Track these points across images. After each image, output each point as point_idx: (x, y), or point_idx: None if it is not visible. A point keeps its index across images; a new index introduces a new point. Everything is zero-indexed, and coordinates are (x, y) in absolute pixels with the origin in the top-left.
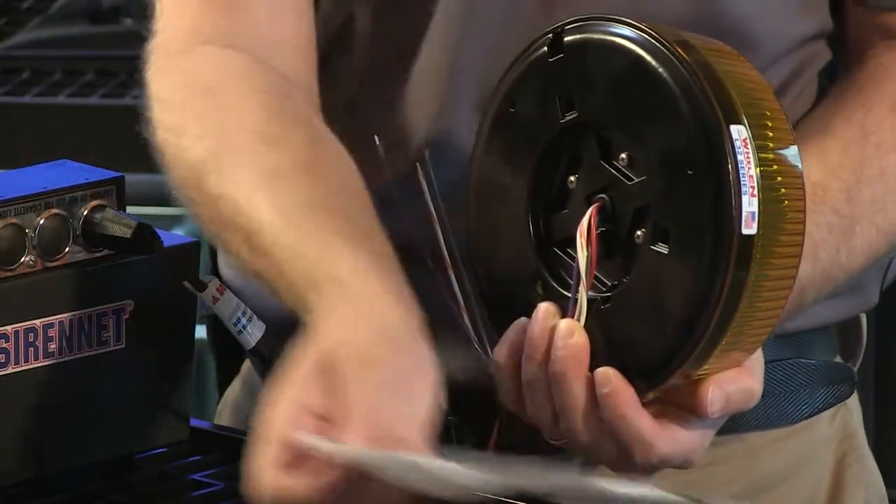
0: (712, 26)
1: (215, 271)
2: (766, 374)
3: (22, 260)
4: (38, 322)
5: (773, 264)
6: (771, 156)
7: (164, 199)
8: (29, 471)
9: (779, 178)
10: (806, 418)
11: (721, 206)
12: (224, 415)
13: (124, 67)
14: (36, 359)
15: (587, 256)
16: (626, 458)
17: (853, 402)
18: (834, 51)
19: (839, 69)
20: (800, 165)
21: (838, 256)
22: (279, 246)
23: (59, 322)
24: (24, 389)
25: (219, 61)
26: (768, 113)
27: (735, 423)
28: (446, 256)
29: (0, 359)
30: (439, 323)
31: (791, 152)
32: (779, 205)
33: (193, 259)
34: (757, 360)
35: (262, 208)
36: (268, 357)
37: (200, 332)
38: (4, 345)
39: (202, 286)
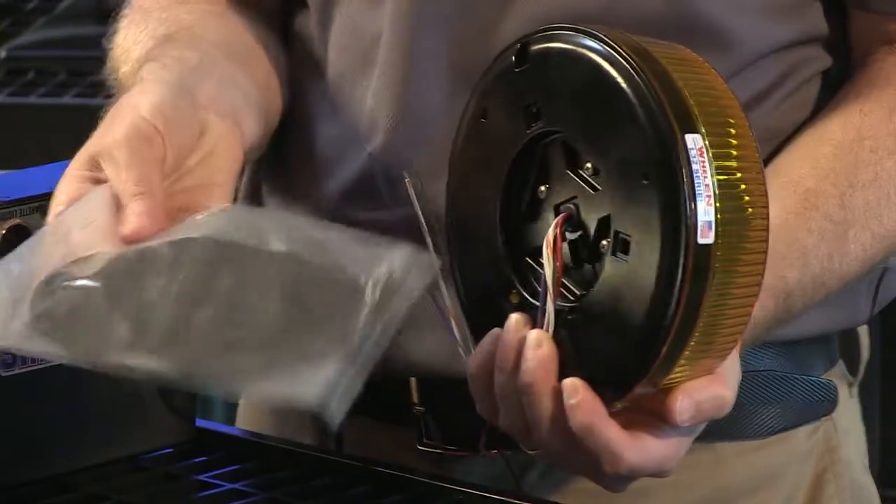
0: (685, 26)
1: None
2: (740, 385)
3: None
4: None
5: (738, 272)
6: (734, 164)
7: None
8: (36, 471)
9: (742, 186)
10: (778, 432)
11: (675, 215)
12: (242, 413)
13: None
14: (42, 360)
15: (553, 267)
16: (597, 468)
17: (842, 416)
18: (835, 56)
19: (845, 74)
20: (763, 173)
21: (831, 262)
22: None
23: None
24: (31, 390)
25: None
26: (732, 121)
27: (704, 432)
28: (435, 261)
29: (7, 359)
30: (411, 315)
31: (756, 160)
32: (742, 213)
33: None
34: (730, 368)
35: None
36: None
37: None
38: None
39: None
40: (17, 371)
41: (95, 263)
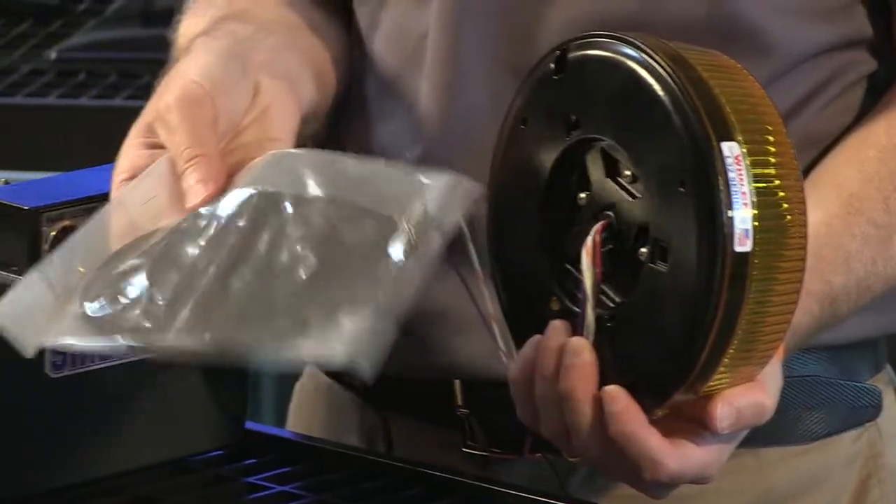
0: (725, 29)
1: None
2: (784, 390)
3: None
4: None
5: (777, 279)
6: (773, 171)
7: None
8: (85, 473)
9: (780, 194)
10: (822, 438)
11: (712, 223)
12: (293, 411)
13: None
14: (92, 361)
15: (593, 275)
16: (637, 475)
17: (887, 422)
18: (880, 60)
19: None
20: (802, 180)
21: (875, 266)
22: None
23: None
24: (81, 392)
25: None
26: (770, 128)
27: (748, 437)
28: (477, 268)
29: (57, 361)
30: (453, 319)
31: (794, 167)
32: (780, 220)
33: None
34: (771, 374)
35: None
36: None
37: None
38: None
39: None
40: (66, 373)
41: (152, 240)
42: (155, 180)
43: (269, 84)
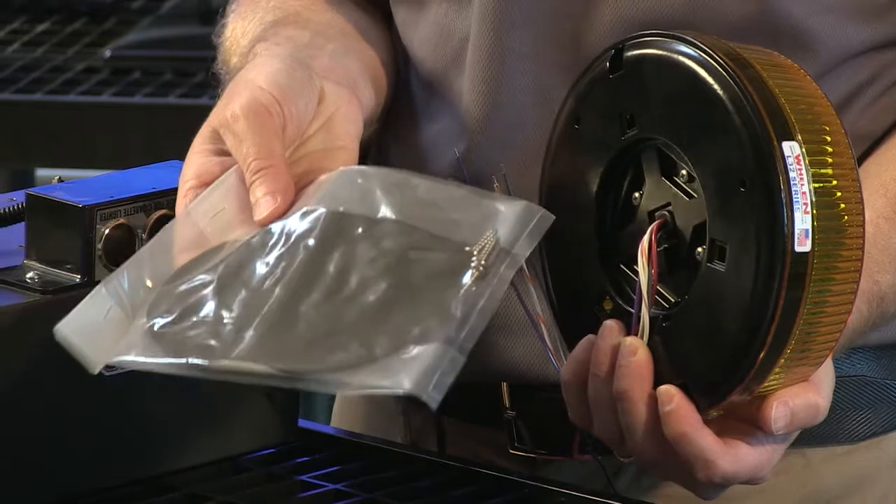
0: (770, 27)
1: None
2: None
3: None
4: None
5: (834, 279)
6: (830, 171)
7: None
8: (138, 471)
9: (838, 194)
10: (869, 437)
11: (773, 223)
12: (338, 412)
13: None
14: None
15: (648, 274)
16: (690, 476)
17: None
18: None
19: None
20: (858, 179)
21: None
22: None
23: None
24: (135, 390)
25: None
26: (827, 128)
27: (796, 437)
28: (525, 268)
29: None
30: (501, 321)
31: (851, 167)
32: (838, 221)
33: None
34: (825, 375)
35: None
36: None
37: None
38: None
39: None
40: (118, 371)
41: (220, 255)
42: (223, 192)
43: (332, 91)
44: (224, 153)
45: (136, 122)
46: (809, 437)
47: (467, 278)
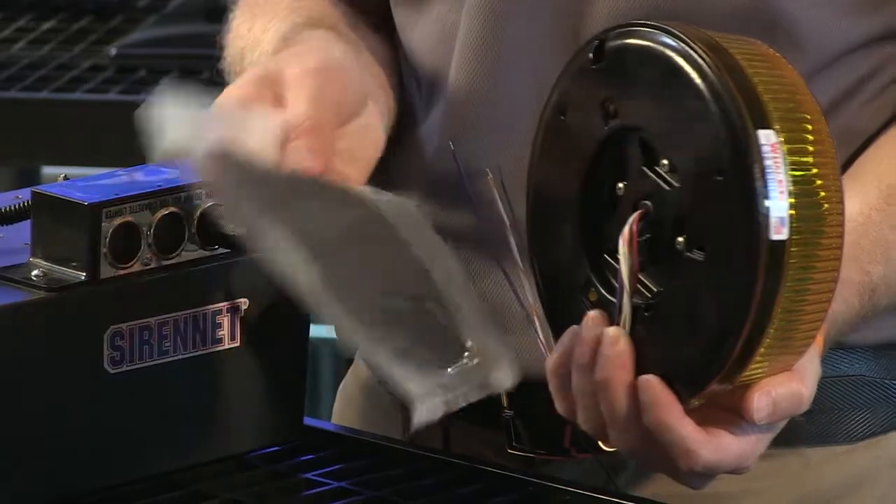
0: (766, 20)
1: None
2: (828, 389)
3: (137, 258)
4: (152, 320)
5: (814, 267)
6: (811, 159)
7: None
8: (142, 469)
9: (818, 182)
10: (868, 437)
11: (748, 211)
12: (337, 411)
13: None
14: (150, 357)
15: (630, 264)
16: (673, 465)
17: None
18: None
19: None
20: (839, 169)
21: None
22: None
23: (174, 320)
24: (139, 388)
25: None
26: (808, 116)
27: (793, 436)
28: (518, 260)
29: (115, 357)
30: (499, 315)
31: (832, 156)
32: (818, 209)
33: None
34: (810, 364)
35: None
36: None
37: (314, 330)
38: (119, 343)
39: None
40: (124, 368)
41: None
42: (261, 126)
43: (370, 100)
44: (263, 98)
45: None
46: (808, 436)
47: (458, 365)
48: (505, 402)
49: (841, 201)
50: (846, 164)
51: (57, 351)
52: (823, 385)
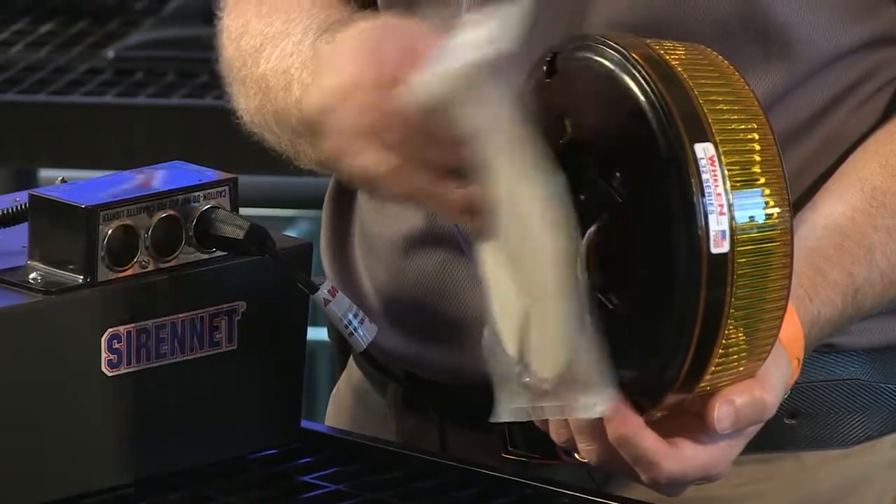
0: (758, 26)
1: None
2: (823, 393)
3: (135, 261)
4: (150, 323)
5: (765, 275)
6: (757, 169)
7: (276, 200)
8: (140, 471)
9: (766, 191)
10: (863, 441)
11: (687, 226)
12: (331, 415)
13: None
14: (148, 360)
15: (586, 278)
16: (640, 477)
17: None
18: None
19: None
20: (785, 176)
21: None
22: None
23: (172, 323)
24: (137, 390)
25: None
26: (754, 125)
27: (788, 440)
28: None
29: (112, 359)
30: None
31: (778, 164)
32: (766, 219)
33: (305, 260)
34: (775, 369)
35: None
36: (374, 360)
37: (312, 333)
38: (117, 345)
39: (314, 288)
40: (121, 371)
41: None
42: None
43: None
44: None
45: (140, 122)
46: (804, 440)
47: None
48: None
49: (789, 210)
50: (832, 170)
51: (54, 354)
52: (819, 389)
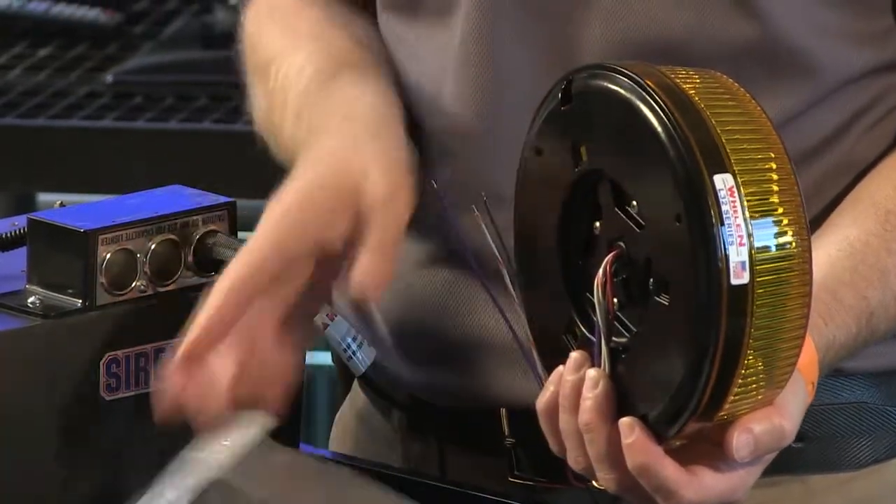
0: (768, 49)
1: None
2: (829, 417)
3: (133, 285)
4: (149, 347)
5: (784, 305)
6: (775, 199)
7: None
8: (137, 494)
9: (784, 221)
10: (870, 464)
11: (707, 258)
12: (335, 440)
13: (236, 93)
14: (147, 384)
15: (604, 305)
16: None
17: None
18: None
19: None
20: (803, 205)
21: None
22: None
23: (171, 347)
24: (134, 414)
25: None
26: (772, 154)
27: (795, 464)
28: (514, 294)
29: (111, 383)
30: (498, 347)
31: (797, 192)
32: (785, 248)
33: None
34: (792, 396)
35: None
36: (377, 383)
37: (310, 357)
38: (116, 369)
39: None
40: (120, 395)
41: None
42: None
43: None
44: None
45: (139, 146)
46: (811, 464)
47: None
48: (506, 430)
49: (807, 238)
50: (843, 194)
51: (53, 378)
52: (825, 413)
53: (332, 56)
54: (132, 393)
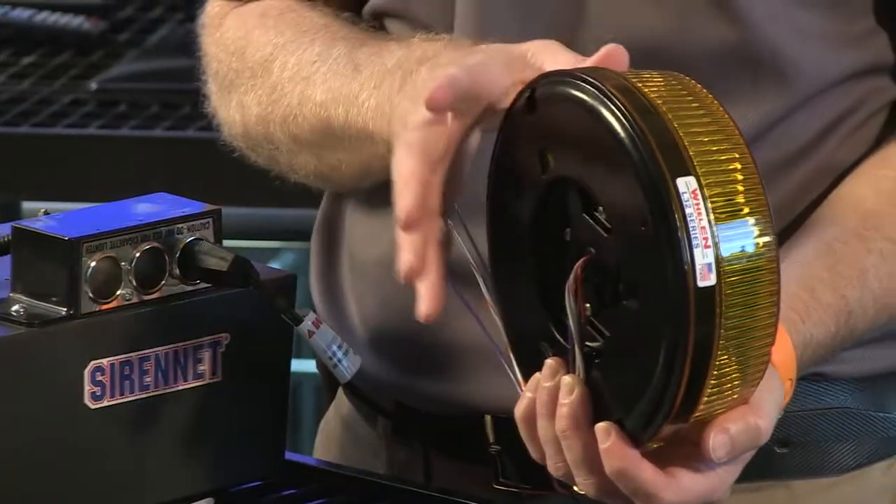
0: (751, 53)
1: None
2: (813, 422)
3: (118, 293)
4: (134, 355)
5: (753, 303)
6: (741, 199)
7: (261, 232)
8: (124, 503)
9: (751, 220)
10: (853, 469)
11: (673, 261)
12: (320, 446)
13: None
14: (132, 392)
15: (576, 311)
16: None
17: None
18: None
19: None
20: (768, 204)
21: (892, 282)
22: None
23: (156, 355)
24: (120, 423)
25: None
26: (736, 154)
27: (779, 470)
28: (490, 300)
29: (96, 391)
30: (483, 354)
31: (761, 192)
32: (753, 248)
33: (290, 292)
34: (767, 394)
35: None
36: (362, 390)
37: (296, 365)
38: (100, 377)
39: (298, 319)
40: (105, 403)
41: None
42: None
43: None
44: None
45: (124, 154)
46: (794, 469)
47: None
48: (491, 437)
49: (774, 236)
50: (824, 198)
51: (37, 386)
52: (809, 418)
53: (364, 36)
54: (117, 401)
